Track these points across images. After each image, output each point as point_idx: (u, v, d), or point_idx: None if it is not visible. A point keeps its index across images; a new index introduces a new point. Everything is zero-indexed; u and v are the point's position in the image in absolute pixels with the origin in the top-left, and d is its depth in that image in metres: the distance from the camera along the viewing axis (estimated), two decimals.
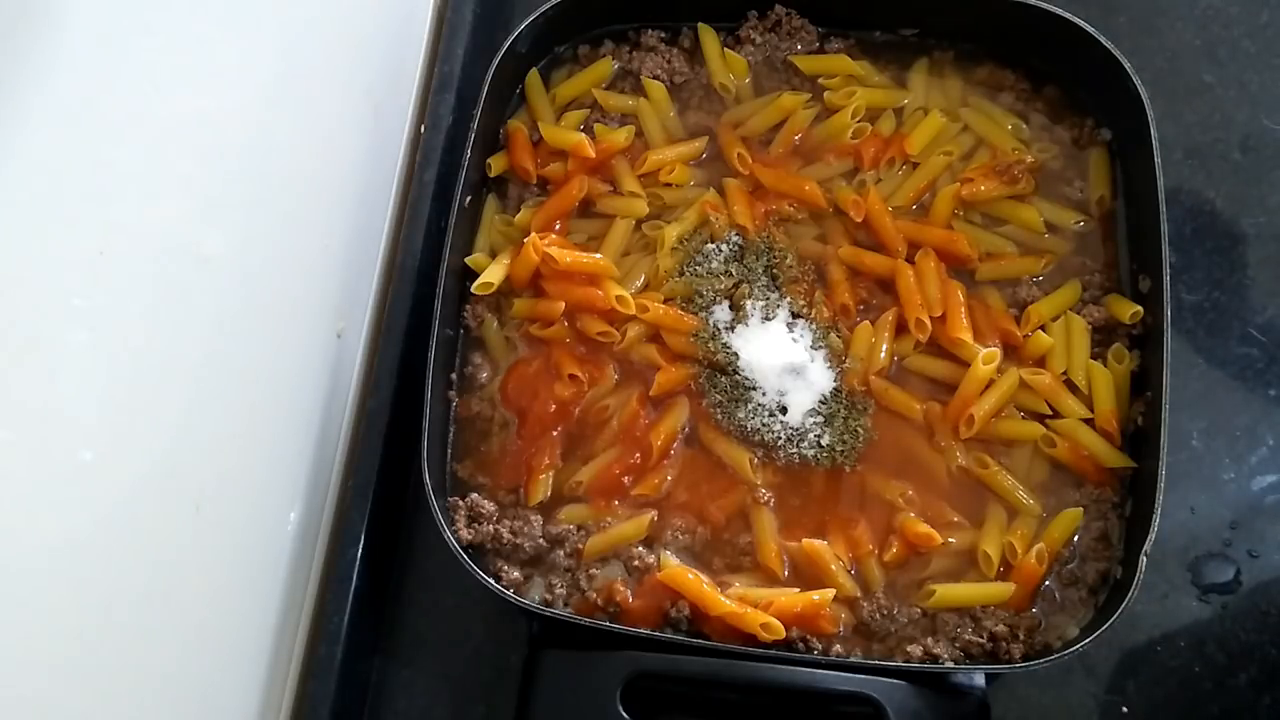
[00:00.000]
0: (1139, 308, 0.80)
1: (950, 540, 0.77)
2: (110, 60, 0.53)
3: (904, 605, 0.76)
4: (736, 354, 0.82)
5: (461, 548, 0.74)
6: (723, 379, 0.82)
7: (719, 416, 0.81)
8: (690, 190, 0.88)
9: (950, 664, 0.73)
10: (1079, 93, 0.89)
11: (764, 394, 0.81)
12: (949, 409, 0.80)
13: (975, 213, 0.86)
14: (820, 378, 0.81)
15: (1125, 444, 0.79)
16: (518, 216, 0.86)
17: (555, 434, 0.81)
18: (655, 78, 0.90)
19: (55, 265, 0.50)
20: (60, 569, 0.52)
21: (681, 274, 0.84)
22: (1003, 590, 0.75)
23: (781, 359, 0.81)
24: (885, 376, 0.82)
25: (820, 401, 0.81)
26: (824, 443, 0.80)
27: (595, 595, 0.76)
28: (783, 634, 0.72)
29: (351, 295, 0.86)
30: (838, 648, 0.75)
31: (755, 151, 0.88)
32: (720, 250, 0.85)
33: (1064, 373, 0.81)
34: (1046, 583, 0.76)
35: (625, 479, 0.79)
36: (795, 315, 0.83)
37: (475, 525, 0.78)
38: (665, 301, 0.84)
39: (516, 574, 0.77)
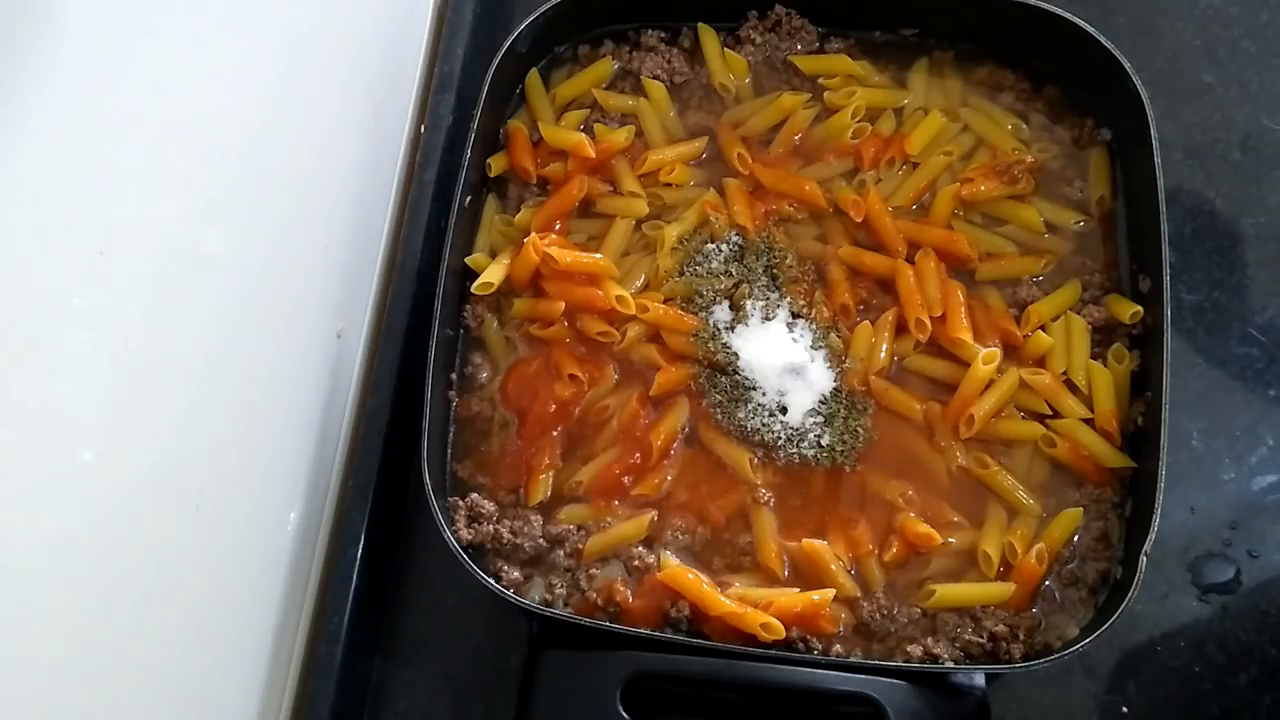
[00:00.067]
0: (1139, 308, 0.80)
1: (950, 540, 0.77)
2: (110, 60, 0.53)
3: (904, 605, 0.76)
4: (736, 354, 0.82)
5: (461, 548, 0.74)
6: (723, 379, 0.82)
7: (719, 416, 0.81)
8: (690, 190, 0.88)
9: (950, 664, 0.73)
10: (1079, 93, 0.89)
11: (764, 394, 0.81)
12: (949, 409, 0.80)
13: (975, 213, 0.86)
14: (820, 378, 0.81)
15: (1125, 444, 0.79)
16: (518, 216, 0.86)
17: (555, 434, 0.81)
18: (655, 78, 0.90)
19: (55, 265, 0.50)
20: (60, 569, 0.52)
21: (681, 274, 0.84)
22: (1003, 590, 0.75)
23: (781, 359, 0.81)
24: (885, 376, 0.82)
25: (820, 401, 0.81)
26: (824, 443, 0.80)
27: (595, 595, 0.76)
28: (783, 634, 0.72)
29: (351, 295, 0.86)
30: (838, 648, 0.75)
31: (755, 151, 0.88)
32: (720, 250, 0.85)
33: (1064, 373, 0.81)
34: (1046, 583, 0.76)
35: (625, 479, 0.79)
36: (795, 315, 0.83)
37: (475, 525, 0.78)
38: (665, 301, 0.84)
39: (516, 574, 0.77)
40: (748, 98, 0.91)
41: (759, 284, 0.84)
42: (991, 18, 0.88)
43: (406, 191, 0.90)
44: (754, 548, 0.78)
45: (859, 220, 0.85)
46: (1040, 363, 0.81)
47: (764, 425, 0.80)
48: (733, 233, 0.86)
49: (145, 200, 0.57)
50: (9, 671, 0.49)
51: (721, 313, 0.83)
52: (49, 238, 0.50)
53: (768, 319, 0.83)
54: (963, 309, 0.82)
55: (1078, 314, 0.82)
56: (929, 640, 0.74)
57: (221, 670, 0.70)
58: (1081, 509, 0.78)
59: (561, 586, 0.77)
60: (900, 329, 0.83)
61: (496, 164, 0.88)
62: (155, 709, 0.62)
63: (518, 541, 0.77)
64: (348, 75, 0.83)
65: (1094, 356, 0.81)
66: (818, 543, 0.77)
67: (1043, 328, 0.82)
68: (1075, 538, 0.77)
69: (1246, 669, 0.81)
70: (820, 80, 0.90)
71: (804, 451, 0.80)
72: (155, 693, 0.62)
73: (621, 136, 0.87)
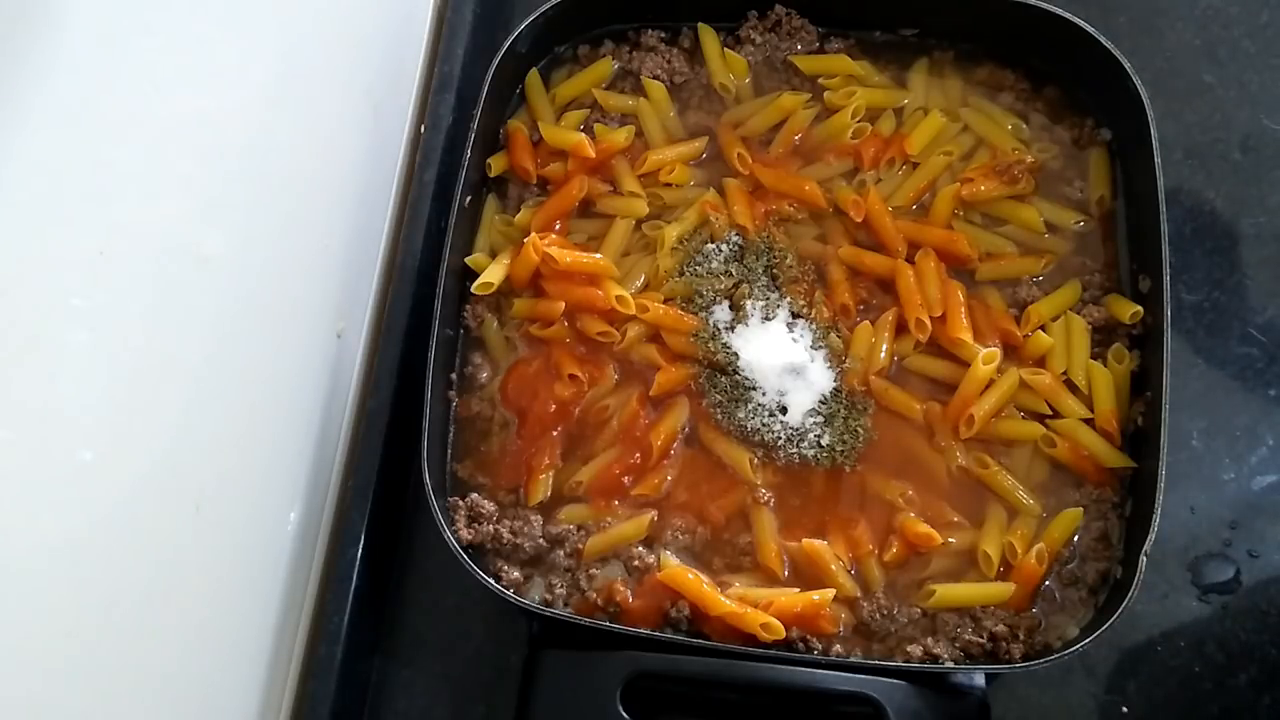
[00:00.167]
0: (1139, 308, 0.80)
1: (950, 540, 0.77)
2: (110, 60, 0.53)
3: (904, 605, 0.76)
4: (736, 354, 0.82)
5: (461, 548, 0.74)
6: (723, 379, 0.82)
7: (719, 416, 0.81)
8: (690, 190, 0.88)
9: (950, 664, 0.73)
10: (1079, 93, 0.89)
11: (764, 394, 0.81)
12: (949, 409, 0.80)
13: (975, 213, 0.86)
14: (820, 378, 0.81)
15: (1125, 444, 0.79)
16: (518, 216, 0.86)
17: (555, 434, 0.81)
18: (655, 78, 0.90)
19: (55, 265, 0.50)
20: (60, 569, 0.52)
21: (681, 274, 0.84)
22: (1003, 590, 0.75)
23: (781, 359, 0.81)
24: (885, 376, 0.82)
25: (820, 401, 0.81)
26: (824, 443, 0.80)
27: (595, 595, 0.76)
28: (783, 634, 0.72)
29: (351, 295, 0.86)
30: (838, 648, 0.75)
31: (755, 151, 0.88)
32: (720, 250, 0.85)
33: (1064, 373, 0.81)
34: (1046, 583, 0.76)
35: (625, 479, 0.79)
36: (795, 315, 0.83)
37: (475, 525, 0.78)
38: (665, 301, 0.84)
39: (516, 574, 0.77)
40: (748, 98, 0.91)
41: (759, 284, 0.84)
42: (991, 18, 0.88)
43: (406, 191, 0.90)
44: (754, 548, 0.78)
45: (859, 220, 0.85)
46: (1040, 363, 0.81)
47: (764, 425, 0.80)
48: (733, 233, 0.86)
49: (145, 200, 0.57)
50: (9, 671, 0.49)
51: (721, 313, 0.83)
52: (49, 238, 0.50)
53: (768, 319, 0.83)
54: (963, 309, 0.82)
55: (1078, 314, 0.82)
56: (929, 640, 0.74)
57: (221, 670, 0.70)
58: (1081, 509, 0.78)
59: (561, 586, 0.77)
60: (900, 329, 0.83)
61: (496, 164, 0.88)
62: (155, 709, 0.62)
63: (518, 541, 0.77)
64: (348, 75, 0.83)
65: (1094, 356, 0.81)
66: (818, 543, 0.77)
67: (1043, 328, 0.82)
68: (1075, 538, 0.77)
69: (1246, 669, 0.81)
70: (820, 80, 0.90)
71: (804, 451, 0.80)
72: (155, 693, 0.62)
73: (621, 136, 0.87)
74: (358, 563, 0.77)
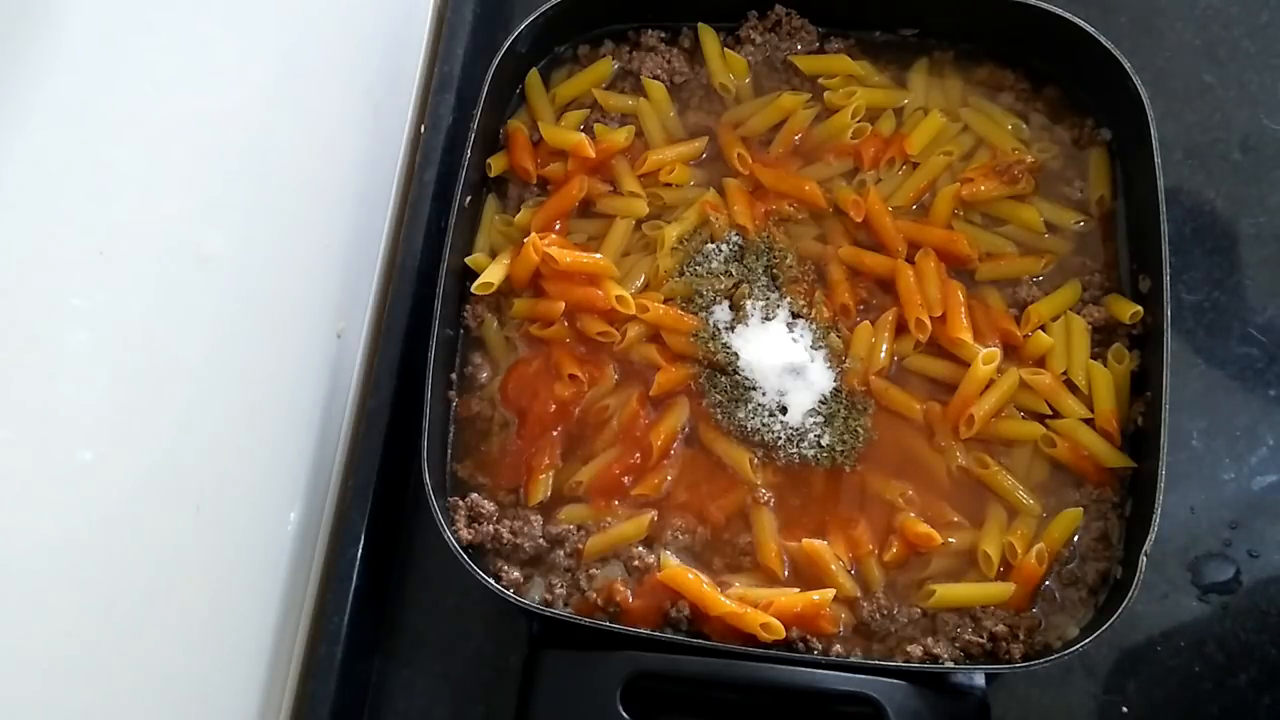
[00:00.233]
0: (1139, 308, 0.80)
1: (950, 540, 0.77)
2: (110, 60, 0.53)
3: (904, 605, 0.76)
4: (736, 354, 0.82)
5: (461, 548, 0.74)
6: (723, 379, 0.82)
7: (719, 416, 0.81)
8: (690, 190, 0.88)
9: (950, 664, 0.73)
10: (1079, 93, 0.89)
11: (764, 394, 0.81)
12: (949, 409, 0.80)
13: (975, 213, 0.86)
14: (820, 378, 0.81)
15: (1125, 444, 0.79)
16: (518, 216, 0.86)
17: (555, 434, 0.81)
18: (655, 78, 0.90)
19: (55, 265, 0.50)
20: (60, 569, 0.52)
21: (681, 274, 0.84)
22: (1003, 590, 0.75)
23: (781, 359, 0.81)
24: (885, 376, 0.82)
25: (820, 401, 0.81)
26: (824, 443, 0.80)
27: (595, 595, 0.76)
28: (783, 634, 0.72)
29: (351, 295, 0.86)
30: (838, 648, 0.75)
31: (755, 151, 0.88)
32: (720, 250, 0.85)
33: (1064, 373, 0.81)
34: (1046, 583, 0.76)
35: (625, 479, 0.79)
36: (795, 315, 0.83)
37: (475, 525, 0.78)
38: (665, 301, 0.84)
39: (516, 574, 0.77)
40: (748, 98, 0.91)
41: (759, 284, 0.84)
42: (991, 18, 0.88)
43: (406, 191, 0.90)
44: (754, 548, 0.78)
45: (859, 220, 0.85)
46: (1040, 363, 0.81)
47: (764, 425, 0.80)
48: (733, 233, 0.86)
49: (145, 200, 0.57)
50: (9, 671, 0.49)
51: (721, 313, 0.83)
52: (49, 238, 0.50)
53: (768, 319, 0.83)
54: (963, 309, 0.82)
55: (1078, 314, 0.82)
56: (929, 640, 0.74)
57: (221, 670, 0.70)
58: (1081, 509, 0.78)
59: (561, 586, 0.77)
60: (900, 329, 0.83)
61: (496, 164, 0.88)
62: (155, 709, 0.62)
63: (518, 541, 0.77)
64: (348, 75, 0.84)
65: (1094, 356, 0.81)
66: (818, 543, 0.77)
67: (1043, 328, 0.82)
68: (1075, 538, 0.77)
69: (1246, 669, 0.81)
70: (820, 80, 0.90)
71: (804, 451, 0.80)
72: (155, 693, 0.62)
73: (621, 136, 0.87)
74: (358, 563, 0.77)
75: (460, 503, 0.78)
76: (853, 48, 0.91)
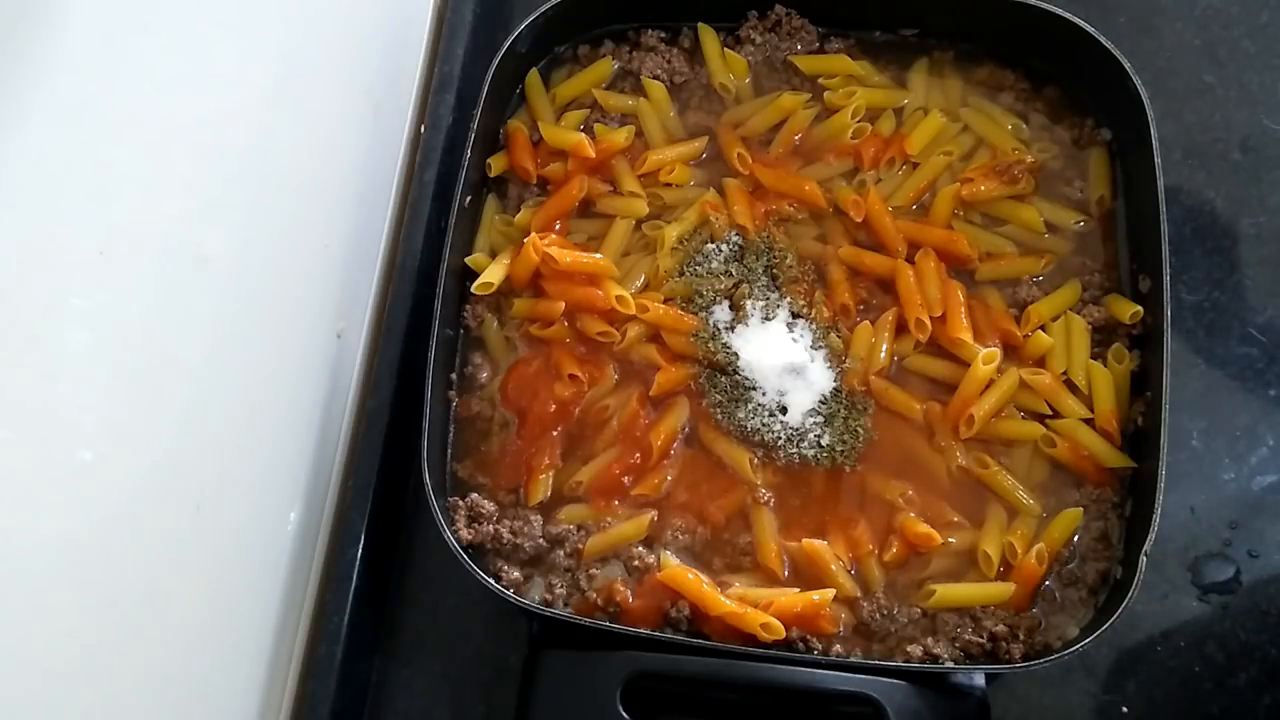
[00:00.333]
0: (1139, 308, 0.80)
1: (950, 540, 0.77)
2: (110, 60, 0.53)
3: (904, 605, 0.76)
4: (736, 354, 0.82)
5: (461, 548, 0.74)
6: (723, 379, 0.82)
7: (719, 416, 0.81)
8: (690, 190, 0.88)
9: (950, 664, 0.73)
10: (1079, 93, 0.89)
11: (764, 394, 0.81)
12: (949, 409, 0.80)
13: (975, 213, 0.86)
14: (820, 378, 0.81)
15: (1125, 444, 0.79)
16: (518, 216, 0.86)
17: (555, 434, 0.81)
18: (655, 78, 0.90)
19: (55, 265, 0.50)
20: (60, 569, 0.52)
21: (681, 274, 0.84)
22: (1003, 590, 0.75)
23: (781, 359, 0.81)
24: (885, 376, 0.82)
25: (820, 401, 0.81)
26: (824, 443, 0.80)
27: (595, 595, 0.76)
28: (783, 634, 0.72)
29: (351, 295, 0.86)
30: (838, 648, 0.75)
31: (755, 151, 0.88)
32: (720, 250, 0.85)
33: (1064, 373, 0.81)
34: (1046, 583, 0.76)
35: (625, 479, 0.79)
36: (795, 315, 0.83)
37: (475, 525, 0.78)
38: (665, 301, 0.84)
39: (516, 574, 0.77)
40: (748, 98, 0.91)
41: (759, 284, 0.84)
42: (991, 18, 0.88)
43: (406, 191, 0.90)
44: (754, 548, 0.78)
45: (859, 220, 0.85)
46: (1040, 363, 0.81)
47: (764, 425, 0.80)
48: (733, 233, 0.86)
49: (145, 200, 0.57)
50: (9, 671, 0.49)
51: (721, 313, 0.83)
52: (49, 238, 0.50)
53: (768, 319, 0.83)
54: (963, 309, 0.82)
55: (1078, 314, 0.82)
56: (929, 640, 0.74)
57: (221, 670, 0.70)
58: (1081, 509, 0.78)
59: (561, 586, 0.77)
60: (900, 329, 0.83)
61: (496, 164, 0.88)
62: (155, 709, 0.62)
63: (518, 541, 0.77)
64: (348, 76, 0.84)
65: (1094, 356, 0.81)
66: (818, 543, 0.77)
67: (1043, 328, 0.82)
68: (1075, 538, 0.77)
69: (1246, 669, 0.81)
70: (820, 80, 0.90)
71: (804, 451, 0.80)
72: (155, 693, 0.62)
73: (621, 136, 0.87)
74: (358, 563, 0.77)
75: (460, 503, 0.78)
76: (853, 48, 0.91)
